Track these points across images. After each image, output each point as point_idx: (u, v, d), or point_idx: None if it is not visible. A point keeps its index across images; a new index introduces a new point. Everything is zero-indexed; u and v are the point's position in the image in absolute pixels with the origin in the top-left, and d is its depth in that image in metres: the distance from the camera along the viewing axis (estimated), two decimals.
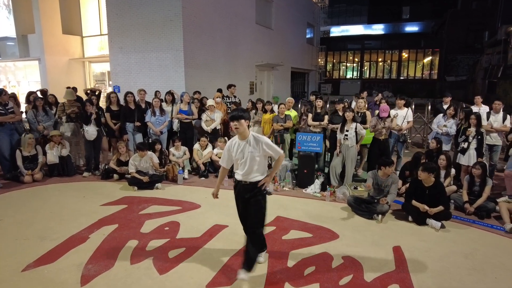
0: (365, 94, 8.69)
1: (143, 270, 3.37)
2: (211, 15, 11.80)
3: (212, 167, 6.81)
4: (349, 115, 5.73)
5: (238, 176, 3.26)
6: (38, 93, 7.65)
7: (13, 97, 7.05)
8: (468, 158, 5.75)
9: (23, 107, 7.96)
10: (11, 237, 4.05)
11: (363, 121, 6.47)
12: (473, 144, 5.77)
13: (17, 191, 5.71)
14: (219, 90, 9.08)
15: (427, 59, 28.19)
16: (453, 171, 5.39)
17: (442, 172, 5.36)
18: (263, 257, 3.53)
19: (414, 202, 4.59)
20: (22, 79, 14.89)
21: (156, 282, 3.18)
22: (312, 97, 7.80)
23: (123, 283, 3.15)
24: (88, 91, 8.34)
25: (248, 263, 3.21)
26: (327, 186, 5.77)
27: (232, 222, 4.42)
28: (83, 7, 14.37)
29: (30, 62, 14.24)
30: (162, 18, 10.74)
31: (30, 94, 7.06)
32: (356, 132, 5.71)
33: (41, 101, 6.78)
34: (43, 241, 3.93)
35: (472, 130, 5.74)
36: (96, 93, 8.05)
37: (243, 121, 3.08)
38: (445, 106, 7.16)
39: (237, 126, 3.09)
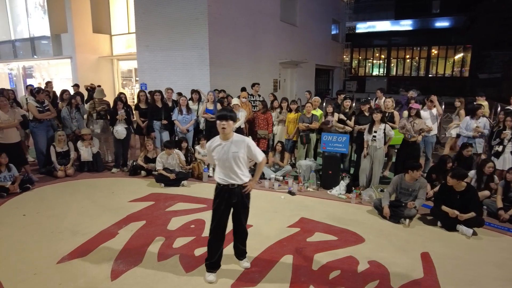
0: (380, 93, 7.81)
1: (169, 267, 3.46)
2: (236, 13, 11.82)
3: None
4: (377, 116, 5.59)
5: (222, 180, 3.17)
6: (71, 91, 7.98)
7: (48, 95, 7.37)
8: (503, 162, 5.50)
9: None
10: (47, 230, 4.26)
11: (391, 122, 6.30)
12: (509, 148, 5.51)
13: (50, 186, 5.99)
14: (243, 89, 9.10)
15: (458, 56, 27.02)
16: (496, 179, 5.15)
17: (484, 178, 5.13)
18: (248, 263, 3.50)
19: (443, 207, 4.44)
20: (55, 76, 15.55)
21: (182, 280, 3.25)
22: (339, 97, 7.67)
23: (151, 279, 3.24)
24: (89, 87, 9.06)
25: (243, 252, 3.50)
26: (353, 188, 5.68)
27: (257, 221, 4.46)
28: (112, 6, 14.79)
29: (62, 60, 14.83)
30: (187, 16, 10.87)
31: (63, 92, 7.37)
32: (384, 133, 5.58)
33: (76, 100, 7.06)
34: (75, 235, 4.10)
35: (508, 132, 5.49)
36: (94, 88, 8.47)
37: (231, 122, 3.07)
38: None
39: (224, 126, 3.04)
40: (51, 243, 3.92)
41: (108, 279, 3.23)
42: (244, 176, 3.19)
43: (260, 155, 3.23)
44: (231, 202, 3.20)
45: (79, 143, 6.68)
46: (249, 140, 3.20)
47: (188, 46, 11.10)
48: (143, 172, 6.52)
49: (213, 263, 3.28)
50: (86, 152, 6.60)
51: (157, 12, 11.41)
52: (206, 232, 4.20)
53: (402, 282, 3.24)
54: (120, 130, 6.55)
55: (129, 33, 14.30)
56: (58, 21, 14.27)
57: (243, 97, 7.91)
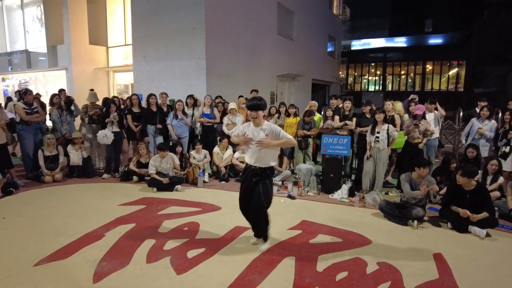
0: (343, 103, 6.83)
1: (160, 269, 3.14)
2: (234, 24, 11.83)
3: (232, 172, 6.59)
4: (379, 116, 5.40)
5: (248, 160, 3.47)
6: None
7: (38, 98, 7.14)
8: (511, 163, 5.29)
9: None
10: (28, 232, 3.93)
11: (392, 125, 6.10)
12: None
13: (37, 190, 5.66)
14: (241, 97, 8.95)
15: (453, 71, 27.33)
16: (500, 178, 4.92)
17: (489, 178, 4.90)
18: (267, 246, 3.56)
19: (454, 208, 4.18)
20: (50, 88, 15.37)
21: (174, 281, 2.93)
22: (334, 101, 7.51)
23: (138, 281, 2.92)
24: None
25: (263, 235, 3.56)
26: (355, 192, 5.41)
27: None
28: (110, 18, 14.81)
29: (57, 72, 14.70)
30: (185, 26, 10.83)
31: (53, 96, 7.13)
32: (388, 134, 5.36)
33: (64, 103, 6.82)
34: (59, 237, 3.77)
35: None
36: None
37: (260, 112, 3.36)
38: (478, 110, 6.69)
39: (254, 116, 3.35)
40: (31, 245, 3.59)
41: (90, 281, 2.90)
42: (270, 161, 3.44)
43: (286, 135, 3.38)
44: (252, 181, 3.42)
45: (69, 147, 6.39)
46: (276, 127, 3.41)
47: (185, 56, 11.00)
48: (135, 178, 6.22)
49: (253, 229, 3.67)
50: (76, 156, 6.30)
51: (155, 22, 11.38)
52: (200, 235, 3.92)
53: (416, 283, 2.94)
54: (110, 135, 6.25)
55: (125, 44, 14.26)
56: (55, 33, 14.23)
57: (242, 103, 7.74)
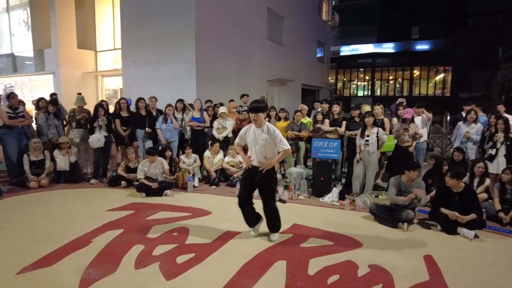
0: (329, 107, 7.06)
1: (149, 275, 3.06)
2: (224, 29, 11.84)
3: (223, 176, 6.54)
4: (369, 120, 5.44)
5: (254, 161, 3.69)
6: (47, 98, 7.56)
7: (23, 103, 6.98)
8: (497, 166, 5.38)
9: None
10: (11, 239, 3.80)
11: (381, 128, 6.16)
12: (502, 151, 5.41)
13: (22, 196, 5.51)
14: (231, 101, 8.94)
15: (439, 77, 27.89)
16: (487, 180, 5.00)
17: (476, 180, 4.98)
18: (276, 236, 3.85)
19: (443, 210, 4.22)
20: (37, 93, 15.08)
21: (163, 287, 2.86)
22: (324, 105, 7.53)
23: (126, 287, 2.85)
24: (35, 101, 8.27)
25: (276, 228, 3.86)
26: (346, 195, 5.42)
27: (246, 229, 4.11)
28: (98, 22, 14.66)
29: (44, 76, 14.44)
30: (175, 31, 10.79)
31: (39, 100, 6.97)
32: (377, 137, 5.40)
33: (54, 107, 6.68)
34: (44, 244, 3.66)
35: (500, 135, 5.40)
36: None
37: (260, 114, 3.57)
38: (464, 114, 6.83)
39: (255, 118, 3.58)
40: (15, 252, 3.47)
41: None
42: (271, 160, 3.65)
43: (284, 146, 3.60)
44: (254, 178, 3.68)
45: (56, 152, 6.24)
46: (278, 131, 3.63)
47: (175, 60, 10.95)
48: (123, 183, 6.11)
49: (247, 223, 3.93)
50: (63, 161, 6.16)
51: (145, 26, 11.31)
52: (190, 240, 3.86)
53: (407, 285, 2.94)
54: (101, 139, 6.16)
55: (114, 49, 14.12)
56: (42, 36, 14.00)
57: (233, 107, 7.73)
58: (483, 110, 6.89)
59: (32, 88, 15.49)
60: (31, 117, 6.51)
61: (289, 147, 3.67)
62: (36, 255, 3.38)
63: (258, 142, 3.60)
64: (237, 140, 3.92)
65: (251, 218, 3.93)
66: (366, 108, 7.00)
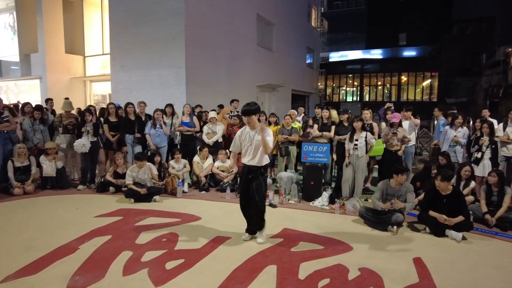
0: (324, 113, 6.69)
1: (137, 281, 3.01)
2: (214, 34, 11.86)
3: (213, 181, 6.50)
4: (358, 124, 5.50)
5: (245, 161, 3.84)
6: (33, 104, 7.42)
7: (8, 107, 6.83)
8: (483, 169, 5.47)
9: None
10: None
11: (370, 133, 6.22)
12: (487, 154, 5.52)
13: (5, 203, 5.36)
14: (221, 106, 8.93)
15: (426, 82, 28.46)
16: (472, 183, 5.08)
17: (462, 183, 5.05)
18: (263, 238, 3.88)
19: (431, 213, 4.27)
20: (23, 98, 14.81)
21: None
22: (318, 110, 7.57)
23: None
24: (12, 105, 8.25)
25: (260, 226, 3.89)
26: (335, 199, 5.43)
27: (236, 234, 4.10)
28: (87, 27, 14.52)
29: (31, 81, 14.20)
30: (164, 36, 10.76)
31: (25, 105, 6.83)
32: (366, 141, 5.46)
33: (39, 114, 6.56)
34: (28, 252, 3.56)
35: (486, 139, 5.51)
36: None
37: (253, 116, 3.71)
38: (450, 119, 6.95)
39: (248, 121, 3.74)
40: None
41: None
42: (264, 160, 3.81)
43: (270, 140, 3.66)
44: (248, 177, 3.80)
45: (42, 157, 6.11)
46: (270, 131, 3.78)
47: (165, 65, 10.90)
48: (112, 189, 6.00)
49: (247, 226, 4.00)
50: (49, 167, 6.03)
51: (134, 31, 11.25)
52: (179, 245, 3.81)
53: None
54: (87, 143, 6.06)
55: (103, 54, 14.00)
56: (29, 41, 13.80)
57: (226, 113, 7.71)
58: (445, 115, 7.08)
59: (18, 93, 15.22)
60: (16, 123, 6.35)
61: (269, 146, 3.69)
62: (20, 263, 3.29)
63: (253, 143, 3.73)
64: (232, 148, 4.00)
65: (250, 225, 4.01)
66: (333, 113, 7.06)
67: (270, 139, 3.67)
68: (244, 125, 7.00)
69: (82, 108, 8.77)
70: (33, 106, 6.67)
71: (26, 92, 14.83)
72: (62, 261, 3.37)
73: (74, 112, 7.17)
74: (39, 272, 3.14)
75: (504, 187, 4.65)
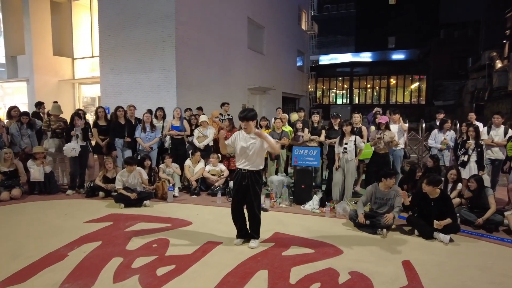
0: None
1: None
2: (204, 37, 11.86)
3: (204, 185, 6.48)
4: (347, 128, 5.56)
5: (239, 165, 3.88)
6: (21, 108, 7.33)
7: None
8: (469, 171, 5.59)
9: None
10: None
11: (359, 136, 6.30)
12: (473, 157, 5.64)
13: None
14: (200, 108, 8.89)
15: (415, 85, 28.93)
16: (459, 185, 5.19)
17: (449, 186, 5.15)
18: (256, 243, 3.91)
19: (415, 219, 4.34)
20: (9, 101, 14.53)
21: None
22: (300, 113, 7.60)
23: None
24: None
25: (256, 234, 3.96)
26: (326, 202, 5.48)
27: (227, 238, 4.10)
28: (76, 29, 14.36)
29: (17, 83, 13.96)
30: (155, 38, 10.71)
31: (11, 108, 6.71)
32: (355, 145, 5.53)
33: (26, 118, 6.46)
34: (15, 260, 3.50)
35: (472, 142, 5.64)
36: None
37: (251, 122, 3.80)
38: (438, 123, 7.09)
39: (245, 126, 3.81)
40: None
41: None
42: (259, 164, 3.86)
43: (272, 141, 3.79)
44: (242, 184, 3.82)
45: (30, 162, 6.01)
46: (265, 134, 3.86)
47: (155, 68, 10.85)
48: (101, 193, 5.94)
49: (238, 233, 4.03)
50: (37, 172, 5.94)
51: (124, 34, 11.17)
52: (170, 251, 3.80)
53: None
54: (77, 148, 5.99)
55: (92, 56, 13.85)
56: (15, 42, 13.57)
57: (215, 117, 7.70)
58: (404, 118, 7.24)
59: (4, 96, 14.95)
60: (3, 127, 6.23)
61: (278, 146, 3.88)
62: (7, 272, 3.23)
63: (248, 147, 3.79)
64: (228, 142, 4.03)
65: (241, 231, 4.03)
66: (293, 116, 7.19)
67: (272, 139, 3.81)
68: (234, 128, 7.06)
69: (71, 112, 8.71)
70: (21, 111, 6.57)
71: (13, 94, 14.58)
72: (50, 268, 3.33)
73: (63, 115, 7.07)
74: (27, 280, 3.09)
75: (485, 189, 4.77)
